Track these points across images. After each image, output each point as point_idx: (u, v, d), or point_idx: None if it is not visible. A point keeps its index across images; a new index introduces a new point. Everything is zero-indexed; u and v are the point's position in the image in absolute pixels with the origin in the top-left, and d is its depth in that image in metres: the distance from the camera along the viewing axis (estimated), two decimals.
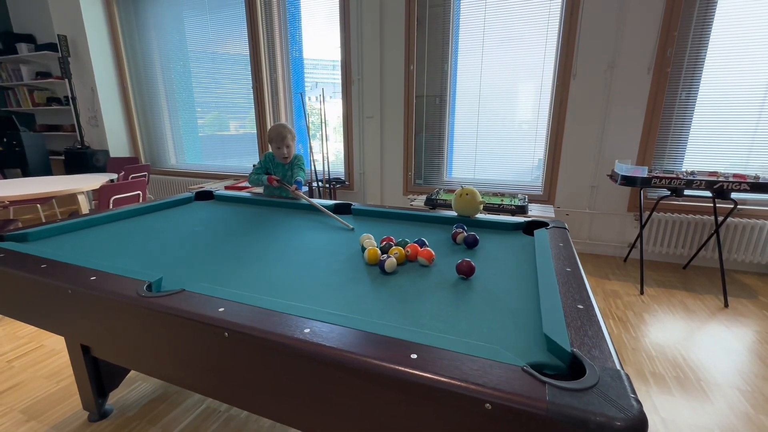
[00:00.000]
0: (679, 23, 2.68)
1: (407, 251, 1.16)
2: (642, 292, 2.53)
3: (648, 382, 1.68)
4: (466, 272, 1.04)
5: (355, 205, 1.76)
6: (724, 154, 2.80)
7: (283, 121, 4.10)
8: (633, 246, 3.08)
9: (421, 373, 0.60)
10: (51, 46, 4.52)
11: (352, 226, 1.34)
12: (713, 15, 2.64)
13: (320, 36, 3.75)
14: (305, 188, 2.08)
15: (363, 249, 1.21)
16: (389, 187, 3.75)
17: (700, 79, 2.76)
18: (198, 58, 4.29)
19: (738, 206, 2.66)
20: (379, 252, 1.14)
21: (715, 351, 1.91)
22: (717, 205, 2.46)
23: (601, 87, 2.93)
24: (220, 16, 4.02)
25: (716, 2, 2.62)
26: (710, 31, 2.67)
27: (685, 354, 1.88)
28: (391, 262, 1.08)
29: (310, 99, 3.93)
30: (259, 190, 2.67)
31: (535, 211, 2.79)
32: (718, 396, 1.60)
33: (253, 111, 4.09)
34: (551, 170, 3.21)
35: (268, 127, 4.11)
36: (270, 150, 2.23)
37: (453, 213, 1.62)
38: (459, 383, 0.58)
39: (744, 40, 2.62)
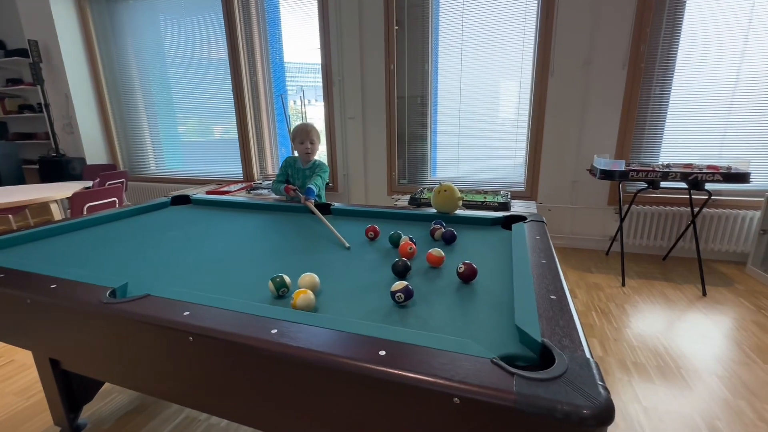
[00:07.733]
0: (651, 19, 2.74)
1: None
2: (623, 284, 2.57)
3: (630, 372, 1.69)
4: (469, 278, 0.97)
5: (335, 204, 1.74)
6: (699, 146, 2.87)
7: (264, 124, 4.05)
8: (614, 239, 3.13)
9: (388, 370, 0.59)
10: (22, 52, 4.39)
11: (348, 245, 1.26)
12: (683, 11, 2.71)
13: (301, 39, 3.72)
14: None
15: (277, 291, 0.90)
16: (373, 187, 3.73)
17: (673, 73, 2.82)
18: (176, 63, 4.21)
19: (712, 197, 2.73)
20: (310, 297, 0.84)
21: (694, 339, 1.94)
22: (692, 196, 2.52)
23: (579, 83, 2.97)
24: (198, 20, 3.96)
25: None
26: (681, 27, 2.73)
27: (665, 343, 1.91)
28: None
29: (295, 102, 3.90)
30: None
31: (518, 208, 2.80)
32: (698, 383, 1.63)
33: (234, 115, 4.03)
34: (533, 166, 3.24)
35: (250, 131, 4.06)
36: (291, 155, 2.14)
37: (433, 210, 1.62)
38: (426, 378, 0.57)
39: (713, 35, 2.69)
